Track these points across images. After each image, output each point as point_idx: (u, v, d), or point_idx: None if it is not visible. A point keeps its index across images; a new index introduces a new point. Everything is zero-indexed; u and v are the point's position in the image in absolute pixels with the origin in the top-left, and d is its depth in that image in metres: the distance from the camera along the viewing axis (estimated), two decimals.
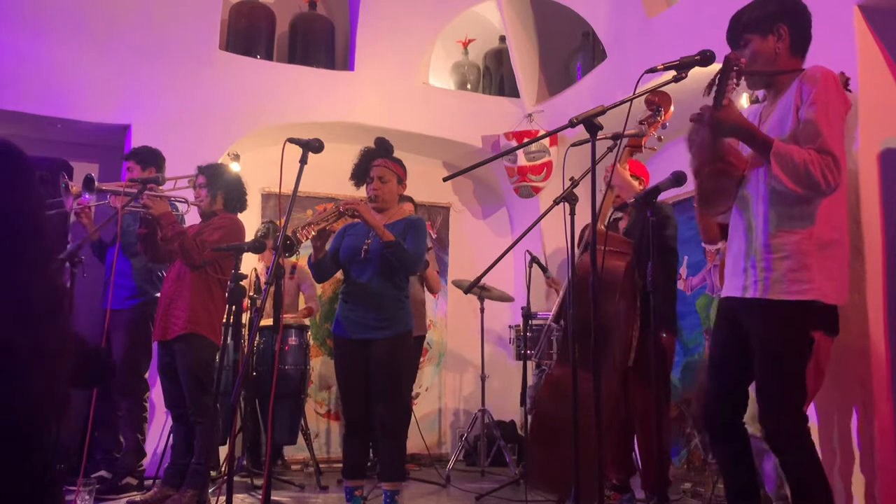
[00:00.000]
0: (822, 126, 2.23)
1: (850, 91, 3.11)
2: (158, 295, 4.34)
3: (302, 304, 5.26)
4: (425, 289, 5.19)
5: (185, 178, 4.09)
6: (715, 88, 2.25)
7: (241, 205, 4.03)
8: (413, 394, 5.36)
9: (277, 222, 5.30)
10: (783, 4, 2.44)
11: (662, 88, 2.41)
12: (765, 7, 2.43)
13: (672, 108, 3.36)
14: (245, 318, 4.56)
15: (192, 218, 4.20)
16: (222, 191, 3.95)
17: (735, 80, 2.27)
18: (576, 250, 3.12)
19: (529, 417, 4.60)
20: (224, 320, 4.09)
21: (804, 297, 2.26)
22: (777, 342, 2.30)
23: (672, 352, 3.79)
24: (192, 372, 3.71)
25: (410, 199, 4.86)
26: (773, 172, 2.24)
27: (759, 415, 2.35)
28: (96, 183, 3.74)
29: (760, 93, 2.68)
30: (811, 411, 3.13)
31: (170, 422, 4.03)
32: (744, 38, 2.44)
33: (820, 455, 3.08)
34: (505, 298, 5.44)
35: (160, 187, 3.97)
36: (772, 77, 2.44)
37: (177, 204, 4.10)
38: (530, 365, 4.82)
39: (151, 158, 4.40)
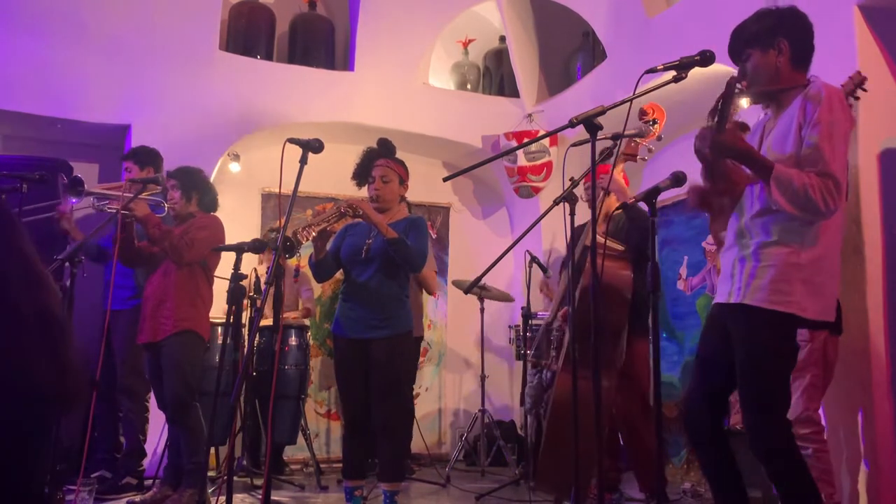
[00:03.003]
0: (825, 149, 2.22)
1: (865, 90, 3.10)
2: None
3: (300, 307, 5.27)
4: (422, 290, 5.19)
5: (147, 181, 4.01)
6: (718, 112, 2.25)
7: (215, 205, 4.03)
8: (413, 394, 5.36)
9: (277, 223, 5.30)
10: (782, 18, 2.42)
11: (661, 90, 2.40)
12: (764, 21, 2.42)
13: (664, 121, 3.38)
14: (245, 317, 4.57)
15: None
16: (196, 192, 3.94)
17: (737, 102, 2.27)
18: (573, 251, 3.12)
19: (530, 417, 4.60)
20: (224, 320, 4.09)
21: (782, 308, 2.25)
22: (758, 348, 2.29)
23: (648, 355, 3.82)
24: (178, 368, 3.70)
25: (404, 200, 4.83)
26: (773, 197, 2.24)
27: (742, 420, 2.34)
28: (84, 186, 3.71)
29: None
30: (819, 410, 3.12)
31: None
32: (745, 53, 2.42)
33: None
34: (505, 298, 5.44)
35: (153, 188, 3.96)
36: (774, 93, 2.43)
37: (164, 205, 4.08)
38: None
39: (149, 159, 4.39)
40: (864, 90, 3.08)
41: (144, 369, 4.31)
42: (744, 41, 2.43)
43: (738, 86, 2.26)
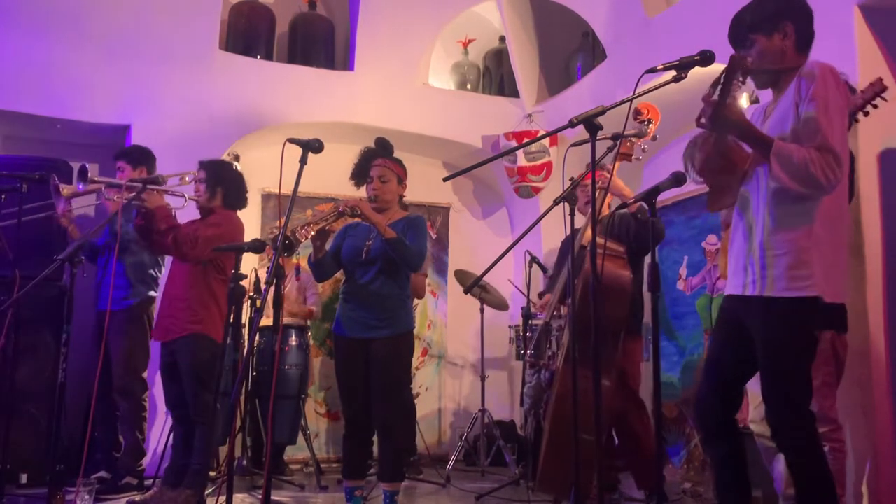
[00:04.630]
0: (822, 123, 2.23)
1: (885, 100, 3.07)
2: (153, 294, 4.34)
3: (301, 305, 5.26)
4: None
5: (178, 175, 4.06)
6: (720, 87, 2.25)
7: (241, 202, 3.99)
8: (413, 393, 5.36)
9: (278, 222, 5.30)
10: (786, 2, 2.42)
11: (661, 90, 2.40)
12: (767, 6, 2.42)
13: (659, 121, 3.38)
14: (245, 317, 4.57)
15: (191, 213, 4.18)
16: (222, 187, 3.90)
17: (741, 80, 2.26)
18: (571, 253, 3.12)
19: (529, 417, 4.61)
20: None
21: (804, 293, 2.25)
22: (779, 340, 2.29)
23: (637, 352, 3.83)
24: (194, 371, 3.70)
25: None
26: (774, 172, 2.24)
27: (765, 414, 2.34)
28: (89, 174, 3.73)
29: (763, 93, 2.67)
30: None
31: (170, 422, 4.03)
32: (749, 39, 2.42)
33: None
34: (502, 306, 5.42)
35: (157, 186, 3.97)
36: (778, 75, 2.43)
37: (168, 199, 4.07)
38: None
39: (142, 158, 4.39)
40: (885, 99, 3.07)
41: (140, 368, 4.32)
42: (747, 27, 2.42)
43: (743, 64, 2.25)
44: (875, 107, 3.09)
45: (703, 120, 2.31)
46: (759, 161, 2.36)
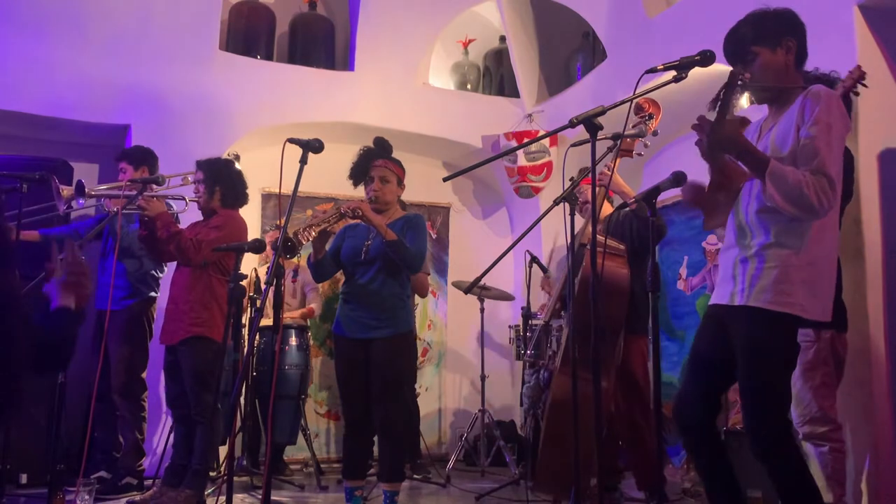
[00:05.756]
0: (822, 147, 2.22)
1: (865, 86, 3.09)
2: (153, 294, 4.34)
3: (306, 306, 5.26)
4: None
5: (181, 175, 4.07)
6: (719, 103, 2.24)
7: (240, 200, 3.97)
8: (415, 393, 5.35)
9: (278, 222, 5.29)
10: (787, 18, 2.42)
11: (661, 90, 2.40)
12: (767, 20, 2.41)
13: (661, 116, 3.37)
14: (245, 318, 4.57)
15: (193, 215, 4.18)
16: (220, 186, 3.89)
17: (739, 95, 2.26)
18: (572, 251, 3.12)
19: (528, 417, 4.61)
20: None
21: (784, 309, 2.26)
22: (760, 349, 2.29)
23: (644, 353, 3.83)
24: (196, 374, 3.70)
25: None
26: (767, 192, 2.24)
27: (742, 421, 2.34)
28: (87, 188, 3.73)
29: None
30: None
31: (170, 422, 4.03)
32: (751, 52, 2.40)
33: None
34: (505, 297, 5.43)
35: (157, 187, 3.96)
36: (780, 92, 2.42)
37: (171, 203, 4.08)
38: None
39: (143, 158, 4.39)
40: (865, 86, 3.07)
41: (139, 369, 4.32)
42: (750, 40, 2.41)
43: (741, 78, 2.25)
44: (857, 94, 3.08)
45: (701, 137, 2.31)
46: (754, 175, 2.36)
